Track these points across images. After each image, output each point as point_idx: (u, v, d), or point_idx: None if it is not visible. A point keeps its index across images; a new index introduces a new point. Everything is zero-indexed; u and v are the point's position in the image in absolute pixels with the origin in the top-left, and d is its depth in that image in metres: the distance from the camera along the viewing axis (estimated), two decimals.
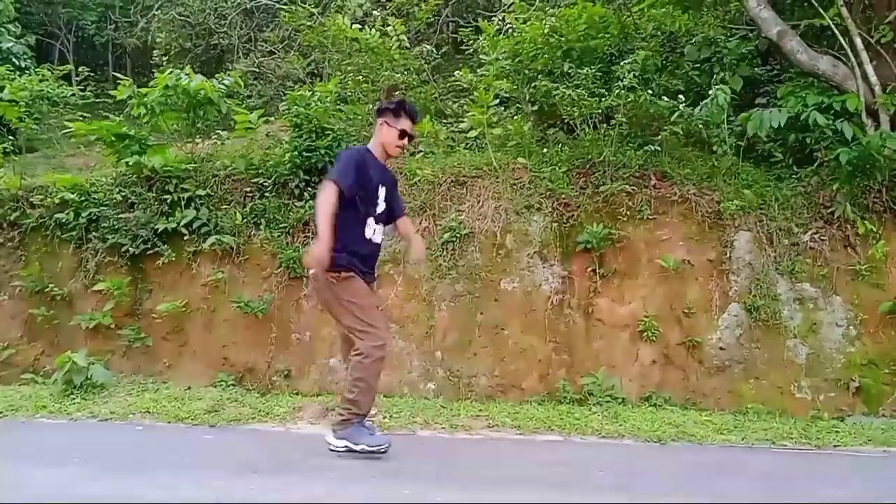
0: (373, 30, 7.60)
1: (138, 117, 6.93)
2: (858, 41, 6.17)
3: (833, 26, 6.27)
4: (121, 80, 7.01)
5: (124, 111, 7.09)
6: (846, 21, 6.20)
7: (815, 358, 5.68)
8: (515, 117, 7.10)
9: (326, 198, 3.99)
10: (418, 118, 4.36)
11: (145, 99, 6.70)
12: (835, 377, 5.62)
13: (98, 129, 6.79)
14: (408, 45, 8.01)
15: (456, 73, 7.37)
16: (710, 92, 6.22)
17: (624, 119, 6.27)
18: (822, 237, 5.95)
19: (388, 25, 7.51)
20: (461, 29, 9.71)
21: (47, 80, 8.29)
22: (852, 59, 6.19)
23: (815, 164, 6.20)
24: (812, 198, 6.10)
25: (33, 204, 6.87)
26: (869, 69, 6.14)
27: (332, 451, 4.09)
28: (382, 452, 4.06)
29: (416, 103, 8.16)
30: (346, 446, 4.06)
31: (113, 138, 6.72)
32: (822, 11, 6.31)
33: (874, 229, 5.84)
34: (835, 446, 4.82)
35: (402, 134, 4.24)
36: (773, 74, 7.19)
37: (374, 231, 4.21)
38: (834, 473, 4.19)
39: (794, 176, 6.29)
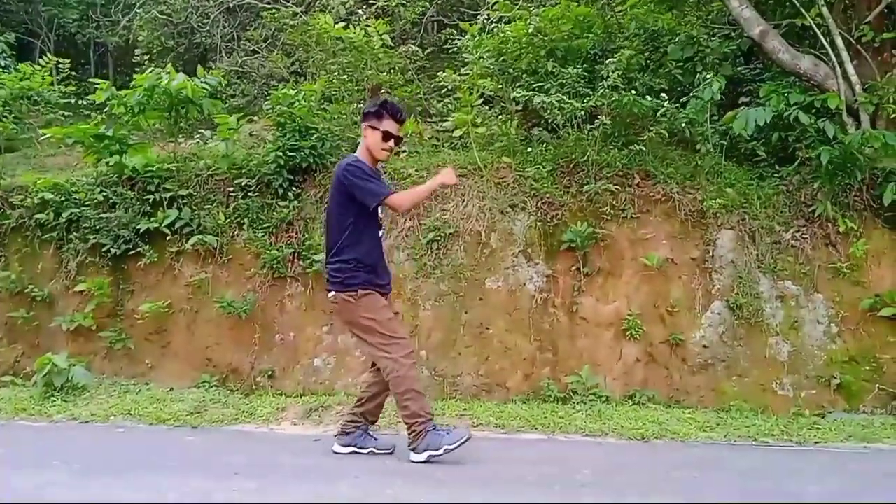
0: (357, 28, 7.56)
1: (119, 116, 6.87)
2: (839, 40, 6.22)
3: (814, 26, 6.32)
4: (98, 84, 6.92)
5: (105, 110, 7.01)
6: (827, 21, 6.25)
7: (797, 355, 5.72)
8: (500, 117, 7.10)
9: (405, 200, 4.16)
10: (404, 117, 4.27)
11: (125, 100, 6.64)
12: (816, 374, 5.66)
13: (75, 132, 6.72)
14: (391, 44, 7.97)
15: (440, 73, 7.35)
16: (698, 87, 6.25)
17: (607, 120, 6.28)
18: (804, 235, 5.99)
19: (370, 27, 7.47)
20: (446, 28, 9.71)
21: (28, 77, 8.19)
22: (833, 58, 6.24)
23: (797, 163, 6.24)
24: (794, 196, 6.15)
25: (13, 204, 6.80)
26: (850, 68, 6.20)
27: (413, 462, 4.04)
28: (467, 441, 4.01)
29: (400, 102, 8.17)
30: (428, 457, 4.00)
31: (91, 139, 6.65)
32: (803, 11, 6.36)
33: (855, 227, 5.89)
34: (816, 443, 4.85)
35: (387, 136, 4.15)
36: (756, 73, 7.23)
37: (382, 232, 4.27)
38: (815, 470, 4.22)
39: (776, 174, 6.33)
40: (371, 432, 4.39)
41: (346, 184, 4.05)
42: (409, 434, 4.07)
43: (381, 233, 4.25)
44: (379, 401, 4.34)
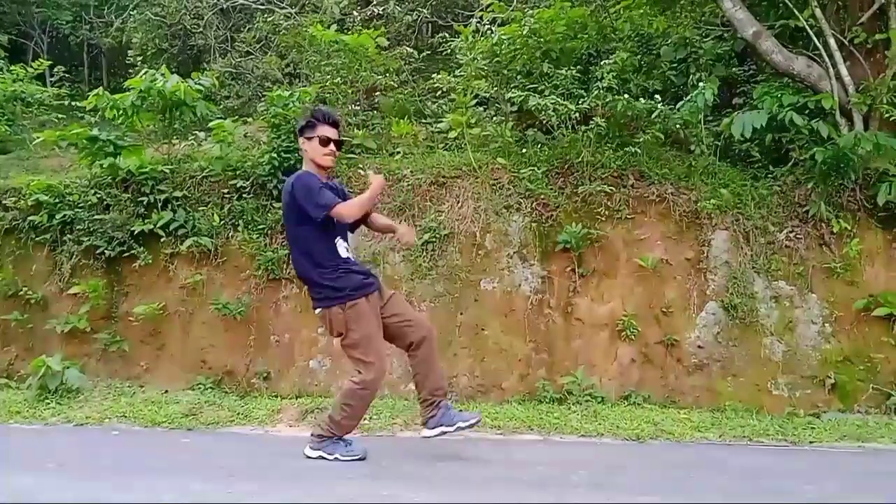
0: (351, 31, 7.57)
1: (113, 118, 6.85)
2: (832, 42, 6.25)
3: (807, 27, 6.34)
4: (91, 92, 6.91)
5: (98, 112, 6.99)
6: (820, 22, 6.27)
7: (792, 355, 5.74)
8: (494, 118, 7.11)
9: (348, 210, 4.04)
10: (337, 120, 4.21)
11: (118, 103, 6.62)
12: (811, 374, 5.68)
13: (68, 135, 6.70)
14: (385, 46, 7.98)
15: (434, 76, 7.36)
16: (692, 91, 6.27)
17: (602, 121, 6.29)
18: (798, 236, 6.02)
19: (362, 33, 7.47)
20: (440, 30, 9.71)
21: (21, 79, 8.17)
22: (826, 59, 6.27)
23: (791, 164, 6.27)
24: (787, 197, 6.17)
25: (6, 206, 6.76)
26: (843, 69, 6.22)
27: (306, 455, 4.16)
28: (359, 460, 4.09)
29: (395, 104, 8.18)
30: (319, 456, 4.12)
31: (85, 142, 6.63)
32: (796, 12, 6.38)
33: (848, 227, 5.91)
34: (811, 442, 4.88)
35: (325, 141, 4.10)
36: (750, 75, 7.26)
37: (345, 249, 4.17)
38: (810, 469, 4.24)
39: (769, 175, 6.35)
40: (449, 404, 4.22)
41: (294, 201, 4.01)
42: (317, 429, 4.16)
43: (346, 245, 4.19)
44: (433, 373, 4.20)
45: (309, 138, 4.13)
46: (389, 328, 4.16)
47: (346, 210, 4.05)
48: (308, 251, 4.08)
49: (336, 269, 4.06)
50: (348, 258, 4.17)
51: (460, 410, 4.35)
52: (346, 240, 4.23)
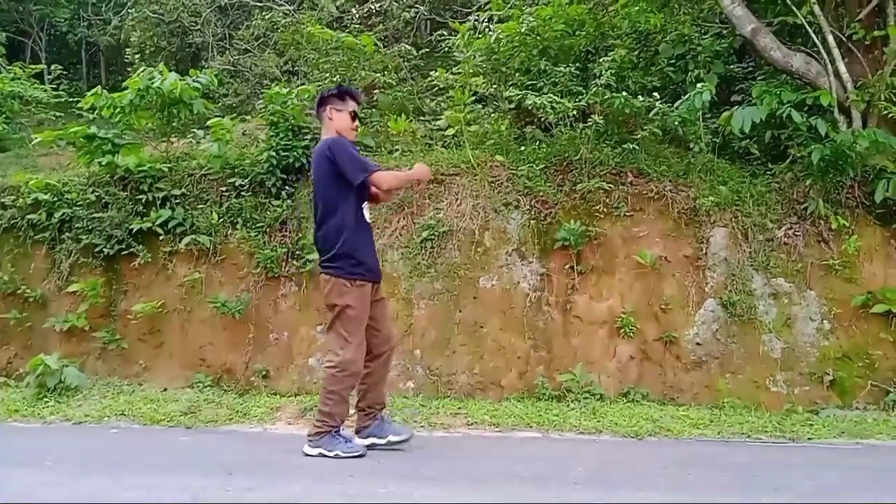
0: (349, 28, 7.56)
1: (111, 117, 6.84)
2: (830, 38, 6.24)
3: (806, 24, 6.34)
4: (89, 93, 6.89)
5: (96, 110, 6.98)
6: (818, 19, 6.27)
7: (790, 352, 5.74)
8: (493, 115, 7.10)
9: (388, 179, 4.17)
10: (362, 99, 4.39)
11: (116, 102, 6.61)
12: (809, 371, 5.69)
13: (66, 134, 6.69)
14: (381, 44, 7.97)
15: (432, 73, 7.35)
16: (690, 88, 6.26)
17: (600, 118, 6.29)
18: (796, 233, 6.02)
19: (361, 33, 7.47)
20: (439, 27, 9.70)
21: (19, 78, 8.16)
22: (825, 56, 6.26)
23: (789, 161, 6.27)
24: (786, 194, 6.17)
25: (5, 205, 6.77)
26: (841, 66, 6.22)
27: (305, 454, 4.16)
28: (359, 457, 4.11)
29: (394, 101, 8.18)
30: (320, 454, 4.12)
31: (83, 140, 6.62)
32: (794, 9, 6.38)
33: (847, 224, 5.91)
34: (809, 439, 4.88)
35: (354, 115, 4.25)
36: (748, 72, 7.25)
37: (368, 213, 4.29)
38: (808, 466, 4.24)
39: (768, 172, 6.35)
40: (386, 418, 4.41)
41: (331, 159, 4.05)
42: (313, 428, 4.17)
43: (367, 206, 4.30)
44: (379, 388, 4.38)
45: (339, 110, 4.21)
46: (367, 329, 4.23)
47: (384, 178, 4.14)
48: (339, 213, 4.11)
49: (362, 232, 4.16)
50: (369, 224, 4.29)
51: (393, 422, 4.44)
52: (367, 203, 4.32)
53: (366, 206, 4.29)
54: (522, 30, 7.02)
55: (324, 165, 4.13)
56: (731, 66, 7.18)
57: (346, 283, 4.10)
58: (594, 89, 6.23)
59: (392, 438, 4.28)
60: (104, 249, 6.41)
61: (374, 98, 8.09)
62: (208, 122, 6.87)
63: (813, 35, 6.32)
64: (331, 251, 4.15)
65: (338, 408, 4.12)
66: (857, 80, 6.22)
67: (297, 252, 6.24)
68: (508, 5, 7.65)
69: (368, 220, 4.28)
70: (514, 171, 6.36)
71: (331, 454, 4.08)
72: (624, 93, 6.22)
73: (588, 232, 6.00)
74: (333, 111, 4.23)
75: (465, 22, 7.72)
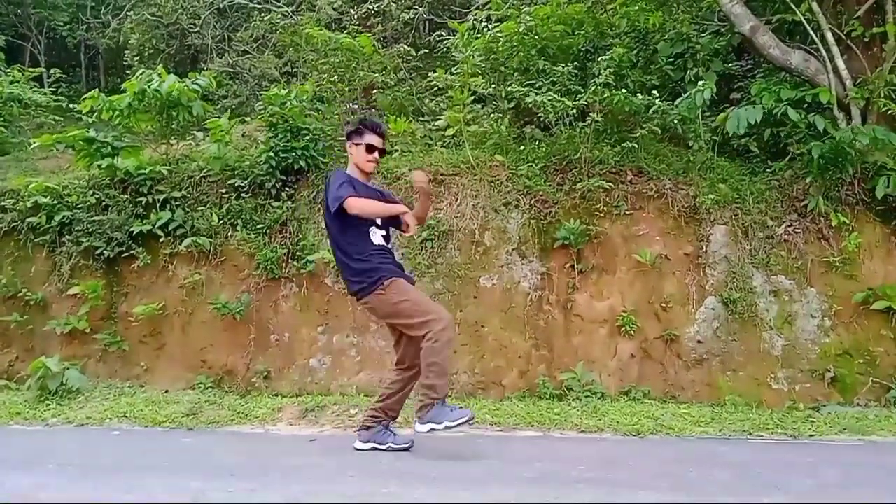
0: (347, 29, 7.56)
1: (110, 119, 6.85)
2: (829, 36, 6.25)
3: (804, 21, 6.35)
4: (87, 96, 6.90)
5: (95, 113, 6.99)
6: (817, 16, 6.28)
7: (791, 349, 5.74)
8: (492, 115, 7.10)
9: (357, 203, 4.09)
10: (383, 130, 4.47)
11: (114, 105, 6.62)
12: (810, 368, 5.69)
13: (65, 137, 6.70)
14: (380, 45, 7.97)
15: (431, 73, 7.35)
16: (690, 86, 6.26)
17: (599, 117, 6.29)
18: (797, 230, 6.02)
19: (360, 34, 7.47)
20: (438, 27, 9.70)
21: (18, 81, 8.16)
22: (824, 53, 6.27)
23: (788, 158, 6.27)
24: (786, 191, 6.18)
25: (5, 208, 6.78)
26: (840, 63, 6.22)
27: (417, 432, 4.15)
28: (469, 422, 4.09)
29: (393, 102, 8.18)
30: (431, 429, 4.08)
31: (82, 143, 6.62)
32: (793, 7, 6.39)
33: (847, 221, 5.92)
34: (810, 436, 4.88)
35: (370, 148, 4.34)
36: (747, 69, 7.26)
37: (380, 237, 4.29)
38: (810, 463, 4.23)
39: (767, 170, 6.35)
40: (391, 428, 4.42)
41: (325, 190, 4.25)
42: (418, 404, 4.14)
43: (381, 233, 4.30)
44: (399, 396, 4.38)
45: (356, 144, 4.35)
46: (404, 337, 4.26)
47: (356, 204, 4.13)
48: (340, 240, 4.23)
49: (367, 253, 4.18)
50: (384, 246, 4.29)
51: (396, 434, 4.42)
52: (382, 229, 4.33)
53: (374, 230, 4.27)
54: (521, 29, 7.02)
55: (325, 197, 4.26)
56: (730, 64, 7.19)
57: (379, 291, 4.14)
58: (593, 88, 6.23)
59: (392, 445, 4.31)
60: (104, 252, 6.41)
61: (374, 99, 8.09)
62: (207, 124, 6.87)
63: (812, 32, 6.33)
64: (347, 269, 4.24)
65: (439, 379, 4.08)
66: (857, 77, 6.23)
67: (298, 253, 6.25)
68: (507, 5, 7.65)
69: (380, 244, 4.27)
70: (513, 171, 6.36)
71: (440, 426, 4.04)
72: (623, 91, 6.22)
73: (588, 231, 6.00)
74: (353, 146, 4.37)
75: (463, 22, 7.71)
